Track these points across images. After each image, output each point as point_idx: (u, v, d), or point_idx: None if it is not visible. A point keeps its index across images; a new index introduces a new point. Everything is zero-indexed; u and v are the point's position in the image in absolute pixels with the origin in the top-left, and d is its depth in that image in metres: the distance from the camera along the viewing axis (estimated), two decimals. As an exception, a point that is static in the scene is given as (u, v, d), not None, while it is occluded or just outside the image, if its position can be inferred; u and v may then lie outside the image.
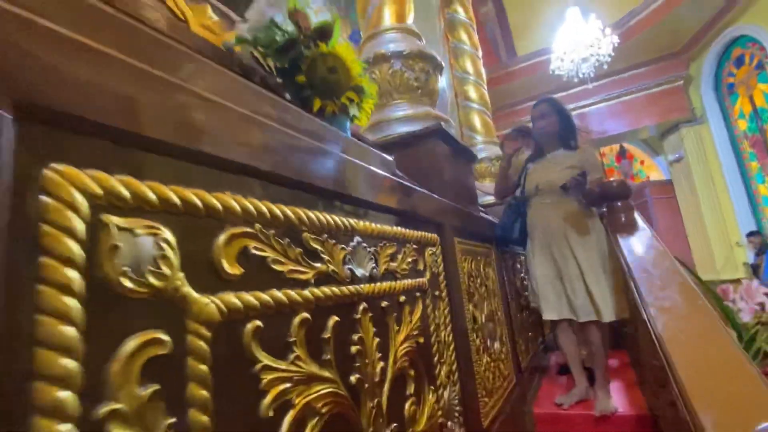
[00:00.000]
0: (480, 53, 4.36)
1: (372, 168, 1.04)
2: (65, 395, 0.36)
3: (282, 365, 0.62)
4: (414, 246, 1.20)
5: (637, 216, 2.22)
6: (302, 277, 0.69)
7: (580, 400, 2.03)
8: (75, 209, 0.39)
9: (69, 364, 0.36)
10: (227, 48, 1.04)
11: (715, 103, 6.52)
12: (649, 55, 6.81)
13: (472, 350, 1.52)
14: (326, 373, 0.71)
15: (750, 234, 5.89)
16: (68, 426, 0.36)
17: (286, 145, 0.72)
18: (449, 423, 1.19)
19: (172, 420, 0.45)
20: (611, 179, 2.22)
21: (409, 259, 1.15)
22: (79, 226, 0.39)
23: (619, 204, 2.18)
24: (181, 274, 0.49)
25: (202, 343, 0.50)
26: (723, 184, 6.44)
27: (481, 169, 3.87)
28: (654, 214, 7.52)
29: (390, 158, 1.35)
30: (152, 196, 0.46)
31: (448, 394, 1.22)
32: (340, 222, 0.82)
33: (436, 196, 1.47)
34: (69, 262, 0.38)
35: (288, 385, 0.62)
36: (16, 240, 0.35)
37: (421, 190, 1.33)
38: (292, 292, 0.66)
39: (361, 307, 0.85)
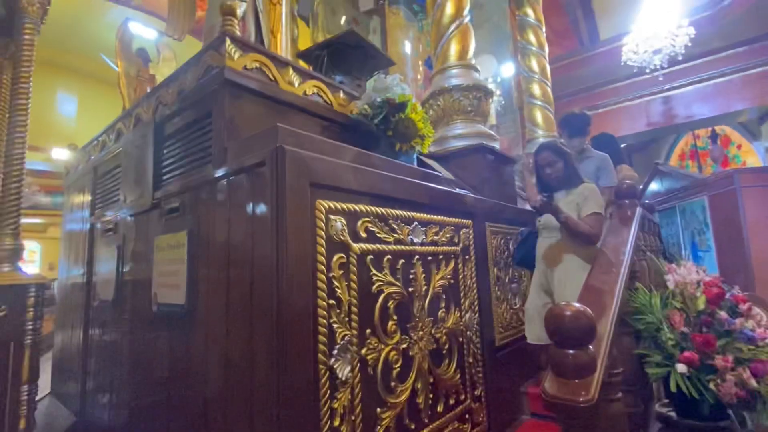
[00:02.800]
0: (546, 52, 4.77)
1: (425, 183, 1.87)
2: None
3: (379, 275, 1.51)
4: (452, 227, 2.02)
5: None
6: (388, 239, 1.57)
7: None
8: (321, 212, 1.30)
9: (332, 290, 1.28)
10: (360, 114, 1.93)
11: (824, 85, 5.99)
12: (747, 35, 6.37)
13: (492, 297, 2.31)
14: (397, 284, 1.59)
15: None
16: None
17: (376, 177, 1.59)
18: (468, 332, 2.03)
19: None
20: (588, 218, 2.01)
21: (448, 235, 1.98)
22: (322, 220, 1.30)
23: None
24: (348, 236, 1.39)
25: (354, 261, 1.40)
26: (825, 174, 5.99)
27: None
28: (744, 203, 7.17)
29: (439, 174, 2.16)
30: (340, 208, 1.36)
31: (469, 315, 2.05)
32: (405, 215, 1.68)
33: (471, 195, 2.26)
34: (319, 231, 1.29)
35: (381, 283, 1.51)
36: (308, 225, 1.27)
37: (458, 192, 2.13)
38: (383, 246, 1.54)
39: (416, 257, 1.72)
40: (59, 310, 3.13)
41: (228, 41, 1.50)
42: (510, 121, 5.21)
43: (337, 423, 1.27)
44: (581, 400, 1.06)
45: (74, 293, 2.73)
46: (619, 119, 7.86)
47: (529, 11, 4.80)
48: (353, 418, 1.32)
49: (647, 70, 5.12)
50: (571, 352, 1.14)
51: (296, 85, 1.75)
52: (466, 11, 3.02)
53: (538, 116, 4.63)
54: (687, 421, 1.70)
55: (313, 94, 1.84)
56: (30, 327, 1.95)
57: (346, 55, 2.35)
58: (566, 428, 1.12)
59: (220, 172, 1.44)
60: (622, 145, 9.60)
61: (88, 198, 2.67)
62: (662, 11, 5.31)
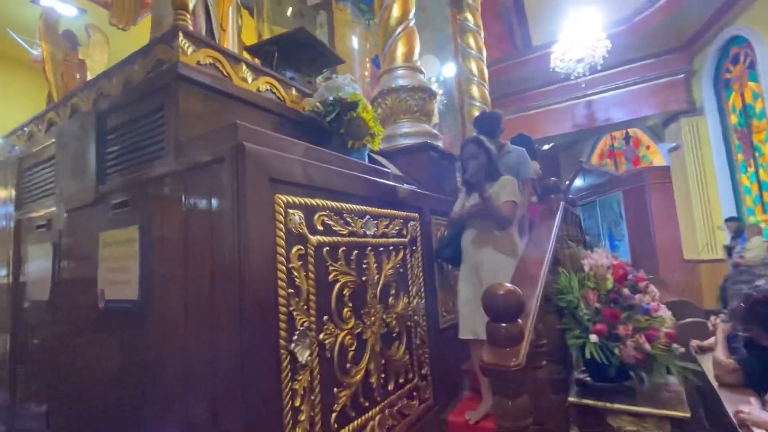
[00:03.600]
0: (485, 56, 5.09)
1: (376, 179, 1.99)
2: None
3: (335, 265, 1.61)
4: (401, 220, 2.17)
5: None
6: (343, 231, 1.67)
7: (486, 414, 2.16)
8: (280, 206, 1.37)
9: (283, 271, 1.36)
10: (312, 111, 2.00)
11: (713, 97, 6.98)
12: (655, 48, 7.24)
13: (437, 283, 2.50)
14: (352, 273, 1.70)
15: (728, 219, 6.52)
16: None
17: (332, 173, 1.68)
18: (415, 317, 2.20)
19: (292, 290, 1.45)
20: (503, 205, 2.15)
21: (397, 227, 2.12)
22: (281, 213, 1.38)
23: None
24: (306, 228, 1.47)
25: (311, 252, 1.48)
26: (712, 173, 7.01)
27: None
28: (650, 197, 8.16)
29: (388, 170, 2.30)
30: (298, 202, 1.44)
31: (416, 301, 2.22)
32: (359, 209, 1.79)
33: (418, 190, 2.42)
34: (278, 225, 1.36)
35: (337, 273, 1.61)
36: (268, 219, 1.34)
37: (406, 187, 2.28)
38: (339, 238, 1.64)
39: (369, 248, 1.84)
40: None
41: (181, 36, 1.50)
42: (452, 120, 5.49)
43: (298, 403, 1.36)
44: (511, 364, 1.24)
45: (-4, 296, 2.52)
46: (548, 120, 8.55)
47: (469, 16, 5.08)
48: (313, 398, 1.42)
49: (572, 77, 5.66)
50: (503, 325, 1.33)
51: (249, 81, 1.78)
52: (411, 14, 3.17)
53: (478, 116, 4.93)
54: (599, 384, 2.00)
55: (267, 90, 1.88)
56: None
57: (297, 52, 2.40)
58: (499, 390, 1.30)
59: (175, 168, 1.45)
60: (551, 144, 10.45)
61: (11, 192, 2.46)
62: (584, 23, 5.86)
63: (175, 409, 1.38)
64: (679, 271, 7.79)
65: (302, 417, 1.37)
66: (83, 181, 1.83)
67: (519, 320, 1.36)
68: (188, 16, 1.53)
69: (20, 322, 2.29)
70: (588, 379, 2.07)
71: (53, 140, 2.10)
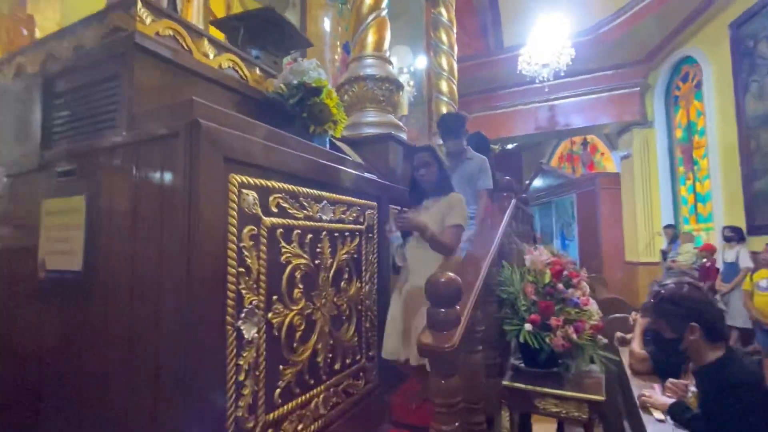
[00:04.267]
0: (455, 52, 5.18)
1: (336, 165, 2.03)
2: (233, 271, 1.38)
3: (288, 247, 1.64)
4: (358, 208, 2.22)
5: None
6: (299, 214, 1.71)
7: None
8: (234, 186, 1.39)
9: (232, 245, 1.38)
10: (275, 93, 1.99)
11: (663, 111, 7.49)
12: (616, 60, 7.64)
13: (391, 271, 2.59)
14: (305, 256, 1.74)
15: (666, 226, 7.09)
16: (237, 245, 1.38)
17: (289, 156, 1.71)
18: (367, 301, 2.27)
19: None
20: (448, 230, 2.01)
21: (354, 214, 2.18)
22: (235, 193, 1.39)
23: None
24: (260, 209, 1.49)
25: (264, 233, 1.51)
26: (656, 182, 7.55)
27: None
28: (600, 202, 8.68)
29: (349, 157, 2.34)
30: (253, 183, 1.46)
31: (369, 287, 2.29)
32: (316, 193, 1.82)
33: (378, 179, 2.48)
34: (231, 204, 1.38)
35: (290, 255, 1.65)
36: (221, 197, 1.35)
37: (366, 176, 2.33)
38: (293, 221, 1.67)
39: (324, 233, 1.88)
40: None
41: (140, 4, 1.45)
42: (420, 112, 5.58)
43: (242, 378, 1.40)
44: (446, 346, 1.34)
45: None
46: (513, 121, 8.84)
47: (443, 11, 5.13)
48: (257, 373, 1.46)
49: (537, 81, 5.89)
50: (442, 310, 1.43)
51: (211, 57, 1.75)
52: (384, 4, 3.18)
53: (444, 111, 5.03)
54: (531, 369, 2.17)
55: (229, 68, 1.86)
56: None
57: (264, 31, 2.36)
58: (435, 369, 1.40)
59: (127, 139, 1.42)
60: (515, 144, 10.80)
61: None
62: (552, 30, 6.08)
63: (117, 382, 1.38)
64: (621, 271, 8.38)
65: (246, 391, 1.41)
66: (26, 146, 1.74)
67: (457, 306, 1.46)
68: (147, -17, 1.48)
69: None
70: (522, 365, 2.24)
71: (-7, 100, 1.97)
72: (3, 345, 1.83)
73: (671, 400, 1.57)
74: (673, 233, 7.00)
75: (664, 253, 7.05)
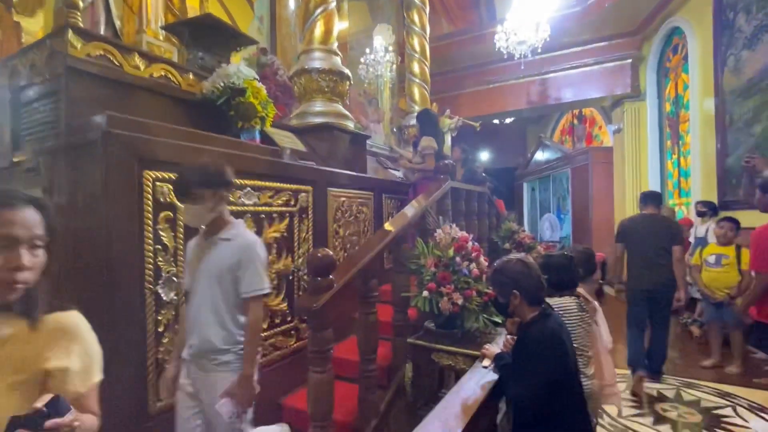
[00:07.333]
0: (427, 33, 5.30)
1: (258, 156, 2.36)
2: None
3: (207, 227, 2.01)
4: (289, 192, 2.56)
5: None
6: (217, 201, 2.06)
7: None
8: (149, 180, 1.75)
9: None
10: (202, 95, 2.32)
11: (655, 84, 7.35)
12: (608, 32, 7.49)
13: (329, 246, 2.95)
14: (226, 234, 2.11)
15: (651, 200, 7.16)
16: (152, 227, 1.76)
17: (204, 153, 2.05)
18: (300, 272, 2.65)
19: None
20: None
21: (284, 198, 2.52)
22: (149, 186, 1.76)
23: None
24: (175, 198, 1.85)
25: (180, 219, 1.88)
26: (646, 157, 7.52)
27: (411, 132, 5.07)
28: (593, 176, 8.70)
29: (286, 147, 2.66)
30: (167, 177, 1.82)
31: (302, 260, 2.66)
32: (237, 182, 2.17)
33: (312, 165, 2.80)
34: (147, 195, 1.75)
35: (209, 234, 2.02)
36: (137, 191, 1.72)
37: (296, 163, 2.65)
38: (212, 206, 2.03)
39: (247, 215, 2.24)
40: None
41: (70, 32, 1.79)
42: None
43: (162, 329, 1.80)
44: (314, 306, 1.70)
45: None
46: (505, 95, 8.84)
47: (416, -9, 5.24)
48: (176, 327, 1.87)
49: (516, 57, 5.93)
50: (318, 278, 1.78)
51: (142, 68, 2.08)
52: (332, -2, 3.39)
53: (416, 92, 5.23)
54: (437, 330, 2.52)
55: (161, 76, 2.19)
56: None
57: (207, 34, 2.67)
58: (309, 324, 1.77)
59: (63, 145, 1.80)
60: (512, 119, 10.76)
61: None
62: (533, 5, 6.02)
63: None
64: (611, 246, 8.48)
65: (165, 340, 1.82)
66: (1, 147, 2.15)
67: (330, 276, 1.81)
68: (78, 14, 1.81)
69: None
70: (432, 326, 2.59)
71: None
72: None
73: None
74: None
75: (648, 227, 7.13)
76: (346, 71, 3.31)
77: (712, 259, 4.11)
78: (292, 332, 2.58)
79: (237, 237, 1.61)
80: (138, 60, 2.06)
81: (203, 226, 1.62)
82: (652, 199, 3.74)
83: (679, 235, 3.61)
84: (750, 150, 4.73)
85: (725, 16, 5.22)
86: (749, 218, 4.56)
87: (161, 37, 2.51)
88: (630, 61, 7.56)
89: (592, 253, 2.36)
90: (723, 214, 5.29)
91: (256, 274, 1.59)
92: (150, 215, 1.76)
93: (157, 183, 1.79)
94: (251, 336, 1.58)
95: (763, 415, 2.95)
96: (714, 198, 5.50)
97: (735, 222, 4.08)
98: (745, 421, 2.88)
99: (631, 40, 7.52)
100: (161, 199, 1.81)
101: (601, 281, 7.16)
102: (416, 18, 5.22)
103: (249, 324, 1.58)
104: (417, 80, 5.21)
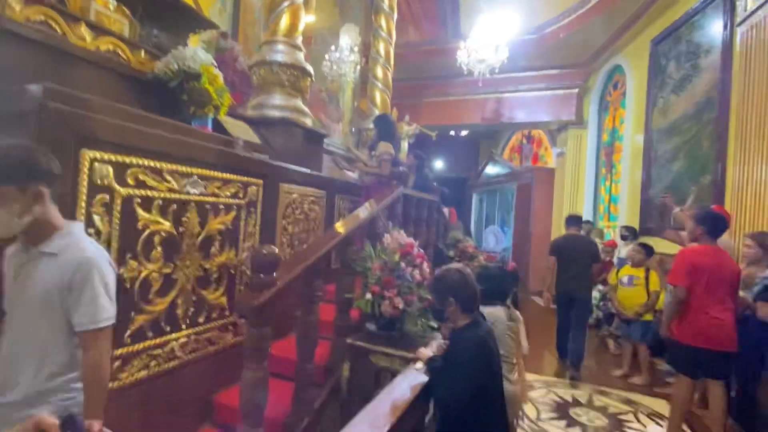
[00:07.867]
0: (393, 39, 5.39)
1: (206, 144, 2.30)
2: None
3: (146, 215, 1.93)
4: (238, 184, 2.51)
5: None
6: (160, 187, 1.98)
7: None
8: (86, 160, 1.65)
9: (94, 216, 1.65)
10: (153, 75, 2.21)
11: (596, 114, 8.03)
12: (560, 61, 8.05)
13: (277, 242, 2.92)
14: (166, 224, 2.03)
15: (584, 221, 7.76)
16: (85, 209, 1.66)
17: (149, 135, 1.97)
18: (243, 267, 2.60)
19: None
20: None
21: (232, 190, 2.46)
22: (85, 166, 1.66)
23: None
24: (113, 182, 1.76)
25: (118, 201, 1.79)
26: (583, 180, 8.17)
27: (369, 135, 5.13)
28: (535, 194, 9.28)
29: (233, 138, 2.60)
30: (107, 158, 1.72)
31: (247, 254, 2.61)
32: (183, 169, 2.10)
33: (263, 159, 2.76)
34: (82, 176, 1.65)
35: (147, 222, 1.94)
36: (72, 170, 1.62)
37: (248, 156, 2.61)
38: (154, 192, 1.95)
39: (191, 204, 2.17)
40: None
41: (9, -9, 1.65)
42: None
43: (86, 318, 1.70)
44: (254, 303, 1.70)
45: None
46: (463, 110, 9.18)
47: (385, -3, 5.31)
48: None
49: (475, 75, 6.20)
50: (261, 275, 1.77)
51: (88, 40, 1.96)
52: (301, -8, 3.37)
53: (377, 96, 5.30)
54: (377, 332, 2.58)
55: (109, 50, 2.06)
56: None
57: (164, 12, 2.55)
58: (248, 321, 1.76)
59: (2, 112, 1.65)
60: (468, 131, 11.17)
61: None
62: (495, 27, 6.33)
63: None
64: (546, 260, 9.08)
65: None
66: None
67: (274, 273, 1.81)
68: (19, -29, 1.67)
69: None
70: (373, 328, 2.65)
71: None
72: None
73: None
74: (589, 228, 7.65)
75: (580, 246, 7.71)
76: (309, 68, 3.30)
77: (625, 279, 4.54)
78: (230, 327, 2.52)
79: (66, 250, 1.21)
80: (84, 31, 1.93)
81: (16, 234, 1.21)
82: (573, 222, 4.79)
83: (598, 253, 4.57)
84: (664, 188, 5.31)
85: (659, 62, 5.80)
86: (663, 245, 5.10)
87: (112, 8, 2.35)
88: (576, 90, 8.17)
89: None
90: (642, 239, 5.87)
91: (94, 300, 1.20)
92: (84, 197, 1.66)
93: (95, 163, 1.69)
94: (93, 379, 1.20)
95: (659, 421, 3.32)
96: (636, 224, 6.09)
97: (646, 247, 4.54)
98: (644, 426, 3.23)
99: (580, 71, 8.13)
100: (98, 181, 1.71)
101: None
102: (383, 23, 5.30)
103: (89, 365, 1.20)
104: (379, 85, 5.28)
